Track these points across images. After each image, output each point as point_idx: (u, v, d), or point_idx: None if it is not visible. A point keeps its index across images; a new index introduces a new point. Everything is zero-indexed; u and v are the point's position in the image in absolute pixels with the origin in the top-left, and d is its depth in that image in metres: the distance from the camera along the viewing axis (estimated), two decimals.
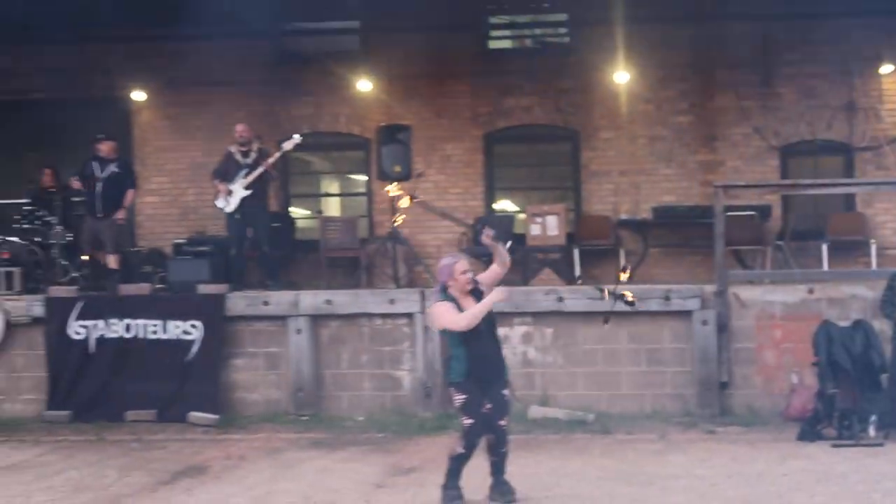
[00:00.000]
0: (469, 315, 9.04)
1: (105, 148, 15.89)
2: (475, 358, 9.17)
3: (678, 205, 17.27)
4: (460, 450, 9.15)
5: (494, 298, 9.09)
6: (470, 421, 9.10)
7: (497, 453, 9.36)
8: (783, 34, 17.64)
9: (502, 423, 9.33)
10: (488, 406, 9.17)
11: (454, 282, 9.22)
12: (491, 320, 9.35)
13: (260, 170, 15.47)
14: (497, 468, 9.43)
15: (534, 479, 10.33)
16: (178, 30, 17.69)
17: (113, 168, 15.78)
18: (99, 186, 15.70)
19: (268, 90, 18.33)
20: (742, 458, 11.24)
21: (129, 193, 15.88)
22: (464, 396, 9.12)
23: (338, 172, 20.23)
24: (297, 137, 15.79)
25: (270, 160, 15.58)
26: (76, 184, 15.91)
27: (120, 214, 15.76)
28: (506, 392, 9.43)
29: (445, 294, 9.20)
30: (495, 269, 9.41)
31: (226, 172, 15.71)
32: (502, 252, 9.41)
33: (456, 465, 9.22)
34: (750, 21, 17.43)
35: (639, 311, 13.55)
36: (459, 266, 9.27)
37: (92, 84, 18.54)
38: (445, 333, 9.37)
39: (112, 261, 15.76)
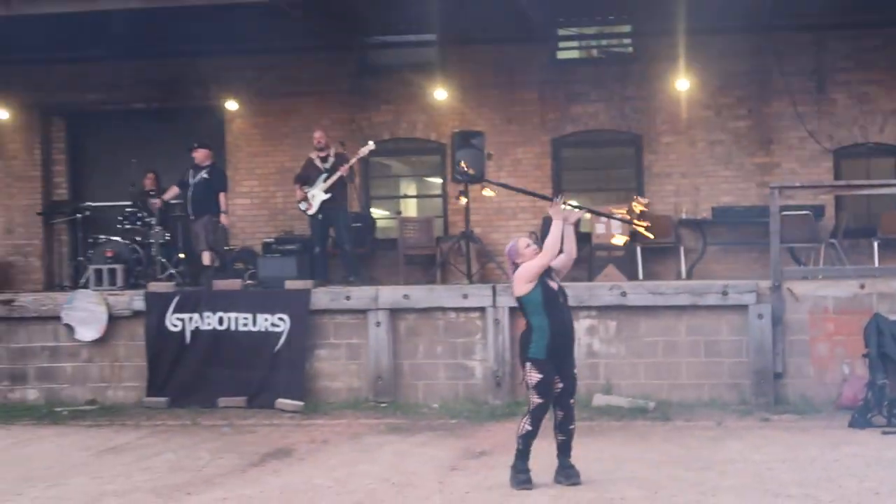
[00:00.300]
0: (547, 246, 9.21)
1: (198, 155, 16.22)
2: (556, 329, 9.18)
3: (736, 205, 17.19)
4: (528, 427, 9.16)
5: (560, 223, 9.33)
6: (540, 400, 9.12)
7: (565, 431, 9.36)
8: (837, 42, 17.49)
9: (572, 401, 9.37)
10: (560, 385, 9.19)
11: (522, 257, 9.31)
12: (565, 296, 9.44)
13: (337, 175, 15.66)
14: (564, 448, 9.43)
15: (597, 463, 10.34)
16: (268, 44, 18.02)
17: (203, 174, 16.09)
18: (190, 191, 16.03)
19: (350, 99, 18.52)
20: (796, 444, 11.19)
21: (221, 196, 16.14)
22: (540, 376, 9.10)
23: (415, 175, 20.35)
24: (371, 144, 16.00)
25: (346, 166, 15.74)
26: (157, 203, 16.42)
27: (222, 219, 16.06)
28: (576, 370, 9.47)
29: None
30: (562, 257, 9.43)
31: (307, 178, 15.94)
32: (570, 232, 9.46)
33: (525, 443, 9.24)
34: (805, 31, 17.35)
35: (697, 305, 13.62)
36: (522, 241, 9.45)
37: (189, 95, 18.84)
38: (527, 306, 9.25)
39: (206, 258, 16.03)
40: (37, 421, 14.02)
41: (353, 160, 15.86)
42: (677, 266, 17.18)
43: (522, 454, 9.30)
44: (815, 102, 17.48)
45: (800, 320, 13.51)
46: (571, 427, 9.40)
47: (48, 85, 19.25)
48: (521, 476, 9.30)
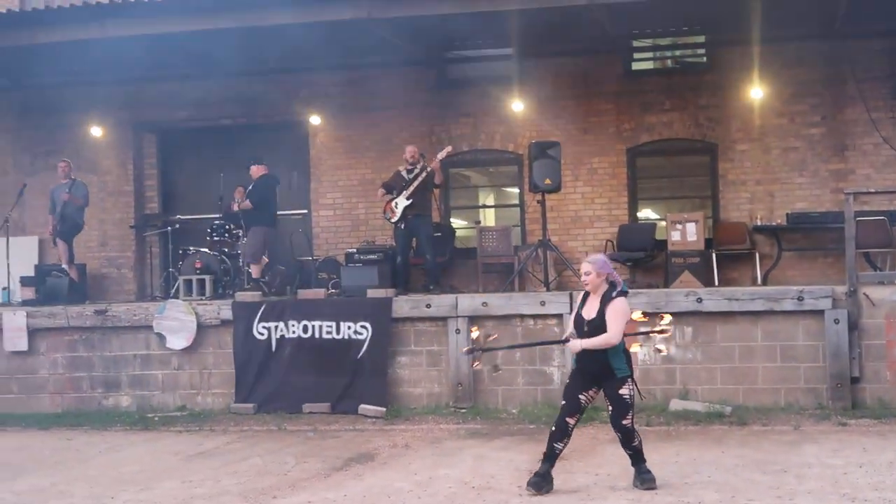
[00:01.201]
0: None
1: (256, 170, 16.55)
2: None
3: (811, 211, 16.89)
4: (638, 438, 9.44)
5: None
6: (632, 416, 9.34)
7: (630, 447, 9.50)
8: None
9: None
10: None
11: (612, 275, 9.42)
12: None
13: (422, 176, 15.75)
14: (634, 459, 9.51)
15: (674, 467, 10.29)
16: (349, 60, 18.12)
17: (251, 187, 16.42)
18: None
19: (430, 112, 18.53)
20: (873, 448, 10.99)
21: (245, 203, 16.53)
22: (631, 392, 9.31)
23: (493, 186, 20.31)
24: (448, 148, 16.09)
25: (432, 163, 15.84)
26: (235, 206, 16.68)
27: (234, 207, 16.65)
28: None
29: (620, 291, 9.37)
30: None
31: (391, 187, 16.01)
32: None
33: (641, 448, 9.44)
34: (878, 37, 17.00)
35: (773, 311, 13.42)
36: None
37: (274, 111, 19.01)
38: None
39: (254, 270, 16.33)
40: (129, 427, 14.22)
41: (435, 161, 15.88)
42: (752, 272, 16.95)
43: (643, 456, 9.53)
44: (889, 108, 17.10)
45: (876, 325, 13.26)
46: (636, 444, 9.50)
47: (140, 103, 19.55)
48: (651, 473, 9.52)
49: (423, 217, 15.96)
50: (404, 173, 15.98)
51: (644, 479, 9.37)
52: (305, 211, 18.95)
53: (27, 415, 15.18)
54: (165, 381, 15.23)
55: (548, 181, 15.60)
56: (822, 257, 16.92)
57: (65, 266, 17.22)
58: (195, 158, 19.86)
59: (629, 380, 9.26)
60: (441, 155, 15.79)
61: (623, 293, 9.34)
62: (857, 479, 9.61)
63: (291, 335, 14.69)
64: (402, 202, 15.81)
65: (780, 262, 16.94)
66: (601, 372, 9.27)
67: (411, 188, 15.78)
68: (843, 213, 13.88)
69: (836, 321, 13.21)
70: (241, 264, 16.77)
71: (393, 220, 15.99)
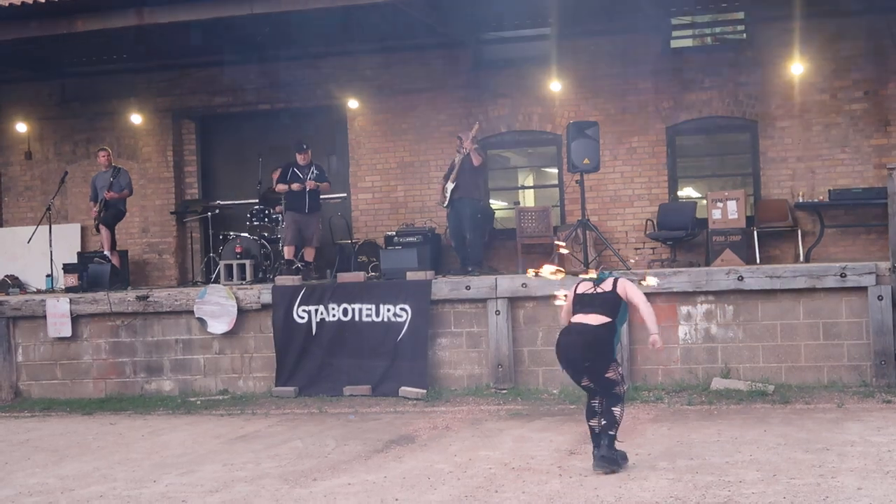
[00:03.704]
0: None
1: (308, 156, 16.78)
2: None
3: (853, 187, 16.69)
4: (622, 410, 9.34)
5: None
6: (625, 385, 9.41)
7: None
8: None
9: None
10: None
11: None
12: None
13: (459, 158, 15.96)
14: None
15: (716, 446, 10.21)
16: (386, 43, 18.09)
17: (315, 172, 16.71)
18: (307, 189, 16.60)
19: (467, 94, 18.47)
20: None
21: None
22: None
23: (532, 166, 20.25)
24: (475, 126, 16.32)
25: (465, 145, 15.95)
26: (281, 187, 16.73)
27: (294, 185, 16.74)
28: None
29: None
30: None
31: (447, 175, 16.30)
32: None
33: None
34: None
35: (816, 288, 13.29)
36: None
37: (311, 95, 19.01)
38: (623, 312, 9.39)
39: (312, 253, 16.55)
40: (171, 411, 14.32)
41: (466, 142, 15.98)
42: (794, 249, 16.79)
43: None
44: None
45: None
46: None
47: (179, 90, 19.65)
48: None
49: (465, 200, 16.05)
50: (456, 158, 16.18)
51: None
52: (344, 194, 18.94)
53: (71, 400, 15.35)
54: (207, 366, 15.32)
55: (586, 161, 15.50)
56: (865, 234, 16.73)
57: (107, 252, 17.35)
58: (234, 144, 19.91)
59: (614, 363, 9.36)
60: (468, 137, 15.87)
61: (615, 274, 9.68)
62: None
63: (331, 318, 14.70)
64: (449, 186, 16.03)
65: (823, 239, 16.74)
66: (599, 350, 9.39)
67: (454, 172, 15.96)
68: (886, 189, 13.72)
69: (880, 298, 13.05)
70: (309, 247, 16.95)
71: (443, 205, 16.29)
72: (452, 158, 16.37)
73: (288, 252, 16.57)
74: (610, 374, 9.15)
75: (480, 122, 17.03)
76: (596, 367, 9.17)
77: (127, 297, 15.64)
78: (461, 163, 15.97)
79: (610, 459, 9.21)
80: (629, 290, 9.32)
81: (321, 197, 17.01)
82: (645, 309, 9.25)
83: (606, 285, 9.38)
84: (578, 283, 9.59)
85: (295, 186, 16.54)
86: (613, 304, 9.26)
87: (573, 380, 9.55)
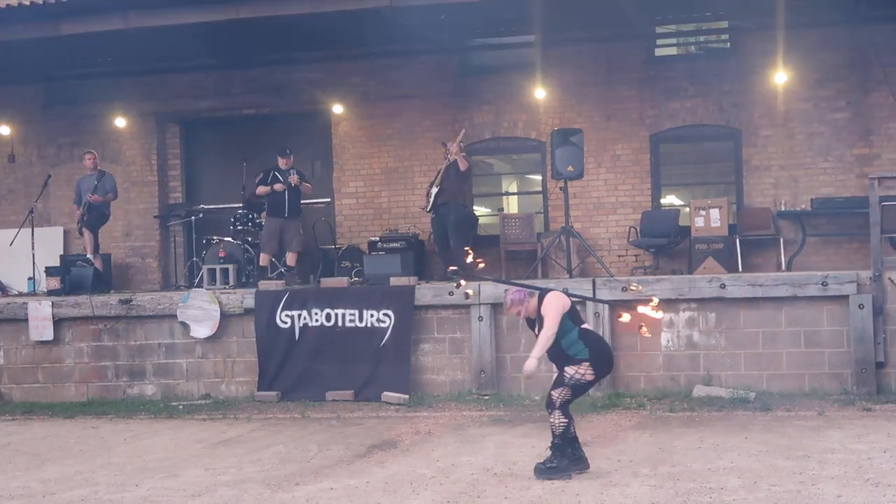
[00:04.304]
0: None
1: (290, 161, 16.67)
2: None
3: (836, 196, 16.79)
4: (562, 426, 9.42)
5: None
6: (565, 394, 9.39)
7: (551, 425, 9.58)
8: None
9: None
10: None
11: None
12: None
13: (445, 165, 15.99)
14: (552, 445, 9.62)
15: (697, 452, 10.27)
16: (371, 48, 18.10)
17: (295, 176, 16.50)
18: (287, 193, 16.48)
19: (452, 100, 18.48)
20: None
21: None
22: (578, 375, 9.35)
23: (516, 173, 20.26)
24: (461, 132, 16.42)
25: (452, 149, 15.98)
26: (261, 189, 16.61)
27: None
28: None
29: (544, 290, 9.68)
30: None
31: (433, 181, 16.30)
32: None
33: (562, 437, 9.49)
34: None
35: (797, 296, 13.38)
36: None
37: (296, 100, 18.98)
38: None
39: (294, 258, 16.48)
40: (154, 415, 14.29)
41: (453, 146, 16.04)
42: (777, 258, 16.87)
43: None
44: None
45: None
46: None
47: (163, 94, 19.58)
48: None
49: (449, 205, 16.06)
50: (443, 165, 16.25)
51: (539, 467, 9.45)
52: (328, 200, 18.95)
53: (53, 404, 15.31)
54: (190, 370, 15.31)
55: (570, 168, 15.57)
56: (847, 243, 16.80)
57: (90, 256, 17.30)
58: (218, 148, 19.89)
59: (584, 363, 9.27)
60: (454, 142, 15.95)
61: (547, 291, 9.51)
62: (881, 464, 9.56)
63: (314, 323, 14.73)
64: (433, 191, 16.05)
65: (805, 248, 16.82)
66: (561, 359, 9.39)
67: (438, 177, 16.00)
68: (868, 198, 13.83)
69: (861, 306, 13.15)
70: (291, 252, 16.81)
71: (426, 209, 16.34)
72: (441, 166, 16.38)
73: (263, 259, 16.55)
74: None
75: (466, 128, 17.10)
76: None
77: (109, 300, 15.62)
78: (446, 168, 16.02)
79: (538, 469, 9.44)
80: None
81: (302, 202, 16.96)
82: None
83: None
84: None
85: (277, 186, 16.44)
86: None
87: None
